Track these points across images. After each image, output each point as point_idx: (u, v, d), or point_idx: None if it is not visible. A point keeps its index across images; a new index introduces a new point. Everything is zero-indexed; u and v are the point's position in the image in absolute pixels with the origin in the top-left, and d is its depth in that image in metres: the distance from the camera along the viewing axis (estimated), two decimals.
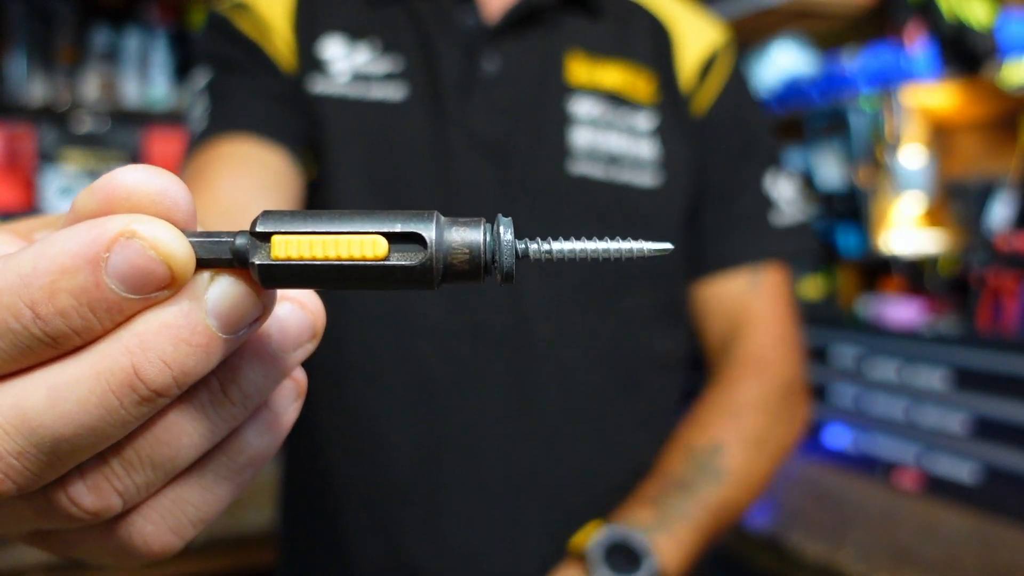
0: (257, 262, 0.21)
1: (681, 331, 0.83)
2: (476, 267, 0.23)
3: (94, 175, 1.89)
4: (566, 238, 0.24)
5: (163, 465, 0.23)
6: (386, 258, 0.22)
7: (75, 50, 1.94)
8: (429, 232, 0.22)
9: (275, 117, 0.72)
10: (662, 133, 0.79)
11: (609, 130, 0.77)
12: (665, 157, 0.78)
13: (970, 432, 1.33)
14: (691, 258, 0.83)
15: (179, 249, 0.20)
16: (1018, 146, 1.65)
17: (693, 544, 0.69)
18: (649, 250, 0.24)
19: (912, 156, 1.78)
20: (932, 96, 1.73)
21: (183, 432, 0.23)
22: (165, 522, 0.24)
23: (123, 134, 1.94)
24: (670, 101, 0.80)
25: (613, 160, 0.76)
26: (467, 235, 0.22)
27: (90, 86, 1.95)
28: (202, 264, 0.22)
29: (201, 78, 0.75)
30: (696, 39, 0.83)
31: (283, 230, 0.22)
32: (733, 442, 0.75)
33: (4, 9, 1.90)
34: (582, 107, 0.76)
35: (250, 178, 0.66)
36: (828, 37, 2.11)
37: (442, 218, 0.23)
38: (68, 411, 0.20)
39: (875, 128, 1.79)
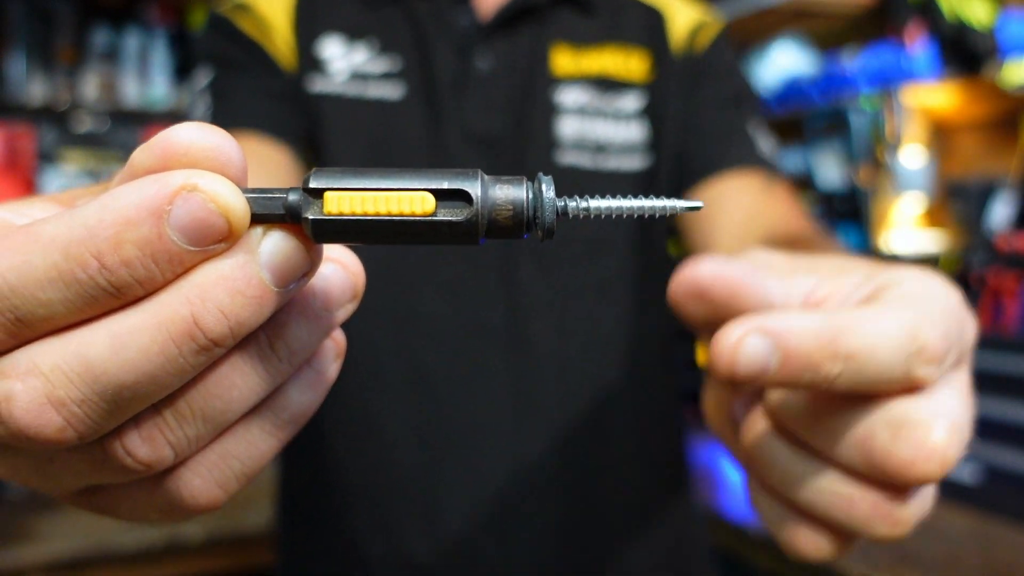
0: (310, 217, 0.22)
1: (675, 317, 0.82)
2: (519, 223, 0.23)
3: (94, 175, 1.89)
4: (602, 196, 0.25)
5: (213, 418, 0.24)
6: (433, 214, 0.23)
7: (75, 50, 1.94)
8: (475, 189, 0.23)
9: (277, 115, 0.72)
10: (653, 111, 0.78)
11: (596, 117, 0.77)
12: (655, 138, 0.78)
13: (970, 432, 1.33)
14: (687, 164, 0.78)
15: (236, 203, 0.21)
16: (1018, 146, 1.65)
17: None
18: (681, 208, 0.25)
19: (912, 156, 1.79)
20: (932, 96, 1.73)
21: (233, 385, 0.24)
22: (212, 476, 0.25)
23: (123, 134, 1.94)
24: (664, 71, 0.80)
25: (600, 148, 0.76)
26: (510, 192, 0.23)
27: (90, 86, 1.95)
28: (256, 219, 0.22)
29: (202, 78, 0.75)
30: (686, 12, 0.83)
31: (335, 186, 0.22)
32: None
33: (4, 9, 1.90)
34: (568, 96, 0.77)
35: (254, 175, 0.66)
36: (828, 37, 2.11)
37: (486, 176, 0.23)
38: (130, 358, 0.21)
39: (875, 128, 1.79)
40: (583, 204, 0.25)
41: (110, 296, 0.21)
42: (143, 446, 0.23)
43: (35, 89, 1.90)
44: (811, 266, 0.36)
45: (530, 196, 0.24)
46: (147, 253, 0.21)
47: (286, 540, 0.82)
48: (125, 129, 1.94)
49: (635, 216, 0.25)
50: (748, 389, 0.35)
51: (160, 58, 2.01)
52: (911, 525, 0.31)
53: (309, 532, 0.78)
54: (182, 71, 2.05)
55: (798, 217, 0.74)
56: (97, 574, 1.27)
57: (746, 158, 0.77)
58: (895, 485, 0.30)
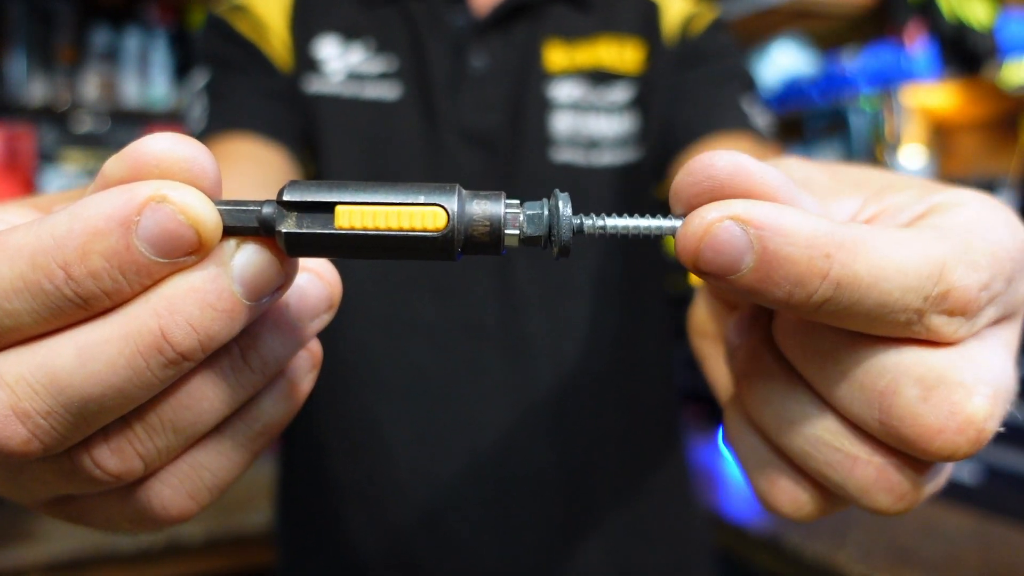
0: (284, 231, 0.22)
1: (666, 304, 0.83)
2: (497, 239, 0.23)
3: (94, 175, 1.89)
4: (619, 215, 0.25)
5: (184, 430, 0.23)
6: (410, 229, 0.22)
7: (75, 50, 1.94)
8: (451, 204, 0.23)
9: (273, 115, 0.72)
10: (645, 102, 0.78)
11: (588, 112, 0.77)
12: (647, 128, 0.78)
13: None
14: (664, 149, 0.77)
15: (207, 215, 0.21)
16: (1018, 146, 1.65)
17: None
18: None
19: (912, 156, 1.79)
20: (932, 96, 1.73)
21: (204, 397, 0.23)
22: (183, 487, 0.25)
23: (123, 134, 1.94)
24: (657, 59, 0.80)
25: (593, 144, 0.76)
26: (488, 207, 0.23)
27: (90, 86, 1.95)
28: (229, 231, 0.22)
29: (200, 78, 0.76)
30: (681, 4, 0.83)
31: (309, 200, 0.22)
32: None
33: (4, 9, 1.90)
34: (562, 91, 0.77)
35: (251, 176, 0.66)
36: (828, 37, 2.11)
37: (464, 191, 0.23)
38: (96, 371, 0.21)
39: (875, 128, 1.79)
40: (599, 223, 0.24)
41: (77, 307, 0.21)
42: (112, 458, 0.23)
43: (35, 89, 1.90)
44: (856, 181, 0.29)
45: (546, 213, 0.23)
46: (114, 264, 0.20)
47: (286, 541, 0.82)
48: (125, 129, 1.94)
49: (647, 236, 0.24)
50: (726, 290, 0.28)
51: (160, 58, 2.01)
52: (919, 503, 0.26)
53: (308, 533, 0.78)
54: (182, 71, 2.05)
55: None
56: (97, 574, 1.27)
57: (735, 123, 0.74)
58: (911, 454, 0.24)
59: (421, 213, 0.22)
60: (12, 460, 0.22)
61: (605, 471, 0.76)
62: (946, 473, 0.27)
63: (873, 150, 1.81)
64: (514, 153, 0.75)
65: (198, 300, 0.21)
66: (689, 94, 0.78)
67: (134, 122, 1.96)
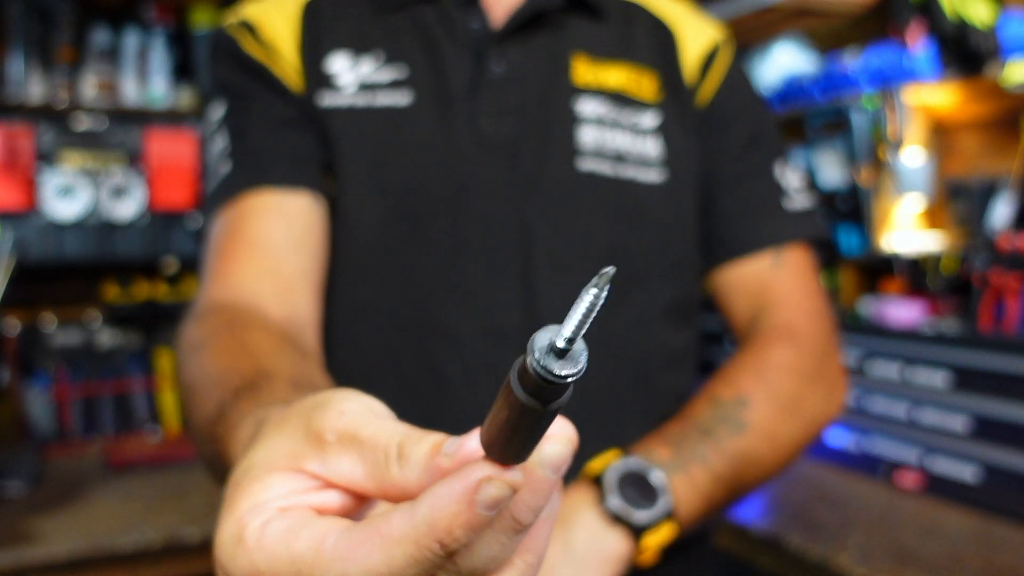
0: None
1: (693, 327, 0.84)
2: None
3: (92, 174, 1.89)
4: None
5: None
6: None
7: (74, 49, 1.94)
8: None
9: (292, 152, 0.74)
10: (666, 130, 0.80)
11: (615, 128, 0.78)
12: (669, 154, 0.79)
13: (971, 432, 1.33)
14: (708, 245, 0.84)
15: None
16: (1019, 146, 1.65)
17: (708, 489, 0.69)
18: None
19: (913, 155, 1.78)
20: (933, 95, 1.72)
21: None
22: None
23: (122, 133, 1.93)
24: (674, 97, 0.82)
25: (619, 158, 0.77)
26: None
27: (89, 85, 1.94)
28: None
29: (217, 109, 0.78)
30: (697, 35, 0.85)
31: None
32: (760, 398, 0.74)
33: (3, 8, 1.89)
34: (588, 106, 0.78)
35: (278, 229, 0.71)
36: (829, 36, 2.11)
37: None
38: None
39: (876, 127, 1.79)
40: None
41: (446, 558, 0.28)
42: None
43: (34, 88, 1.89)
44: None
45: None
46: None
47: None
48: (124, 128, 1.94)
49: None
50: None
51: (159, 57, 2.01)
52: None
53: None
54: (181, 71, 2.05)
55: (804, 300, 0.82)
56: (96, 574, 1.26)
57: (758, 240, 0.82)
58: None
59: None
60: None
61: None
62: None
63: (874, 150, 1.81)
64: (537, 160, 0.75)
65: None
66: (726, 174, 0.83)
67: (133, 121, 1.95)
